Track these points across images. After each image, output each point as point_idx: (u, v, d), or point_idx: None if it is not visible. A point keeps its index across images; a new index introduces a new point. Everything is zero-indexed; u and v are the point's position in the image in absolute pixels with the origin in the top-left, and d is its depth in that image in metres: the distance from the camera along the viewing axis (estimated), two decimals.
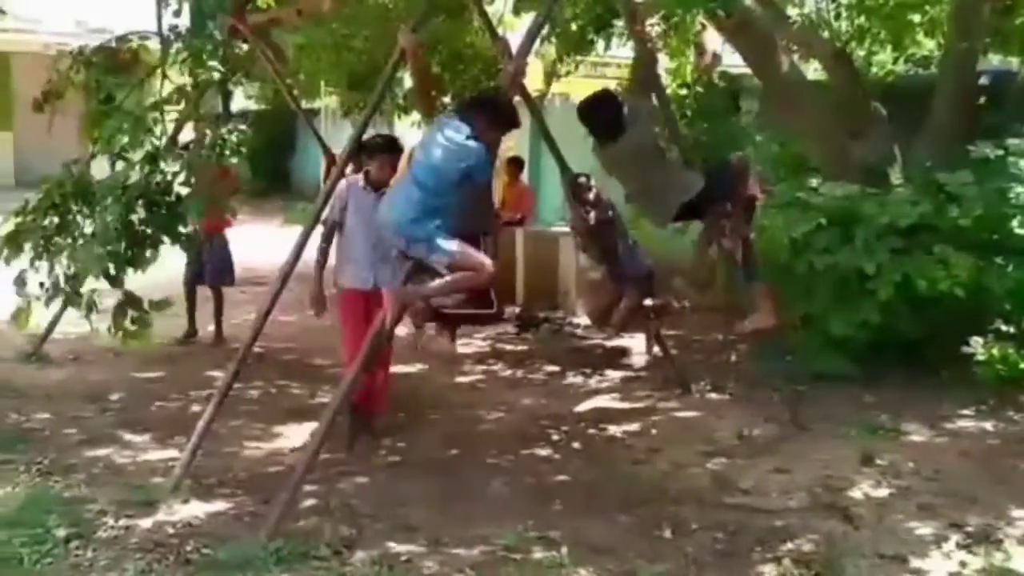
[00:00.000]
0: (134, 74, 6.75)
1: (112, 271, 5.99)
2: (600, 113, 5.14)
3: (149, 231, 6.15)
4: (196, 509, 4.38)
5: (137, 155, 6.21)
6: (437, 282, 4.47)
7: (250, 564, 3.80)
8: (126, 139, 6.15)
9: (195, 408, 5.66)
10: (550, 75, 10.45)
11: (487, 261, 4.44)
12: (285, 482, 4.21)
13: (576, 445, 5.54)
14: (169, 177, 6.25)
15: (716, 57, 9.85)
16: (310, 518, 4.28)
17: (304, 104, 11.68)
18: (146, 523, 4.21)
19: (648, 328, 7.04)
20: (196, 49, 6.43)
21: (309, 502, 4.44)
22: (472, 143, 4.30)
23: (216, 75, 6.63)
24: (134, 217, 6.06)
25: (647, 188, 5.25)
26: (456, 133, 4.32)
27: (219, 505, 4.46)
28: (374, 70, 8.42)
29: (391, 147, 5.33)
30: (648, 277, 6.58)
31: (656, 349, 7.02)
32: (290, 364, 7.25)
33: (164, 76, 6.51)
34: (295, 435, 5.45)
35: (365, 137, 5.34)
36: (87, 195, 6.19)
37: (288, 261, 5.05)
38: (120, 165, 6.21)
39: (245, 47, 7.12)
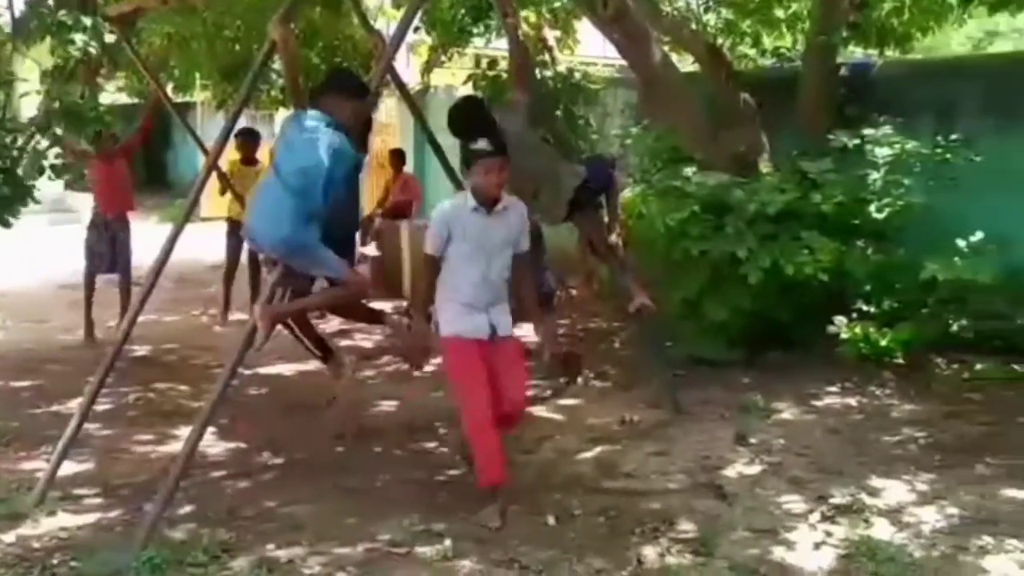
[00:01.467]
0: None
1: None
2: (468, 116, 5.08)
3: None
4: (64, 521, 4.22)
5: None
6: (308, 298, 4.38)
7: (121, 574, 3.67)
8: None
9: (65, 416, 5.42)
10: (429, 66, 10.39)
11: (365, 280, 4.34)
12: (159, 489, 4.09)
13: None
14: (8, 146, 6.00)
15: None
16: (188, 524, 4.17)
17: (180, 97, 11.33)
18: (9, 537, 4.03)
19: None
20: (59, 25, 6.14)
21: (187, 508, 4.32)
22: (329, 129, 4.18)
23: (77, 53, 6.34)
24: None
25: (536, 181, 5.29)
26: (315, 122, 4.20)
27: (89, 516, 4.30)
28: (248, 61, 8.22)
29: (502, 147, 4.29)
30: (548, 296, 6.60)
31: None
32: (171, 365, 7.04)
33: (15, 49, 6.20)
34: (174, 439, 5.28)
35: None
36: None
37: (159, 259, 4.88)
38: None
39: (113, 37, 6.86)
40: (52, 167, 6.42)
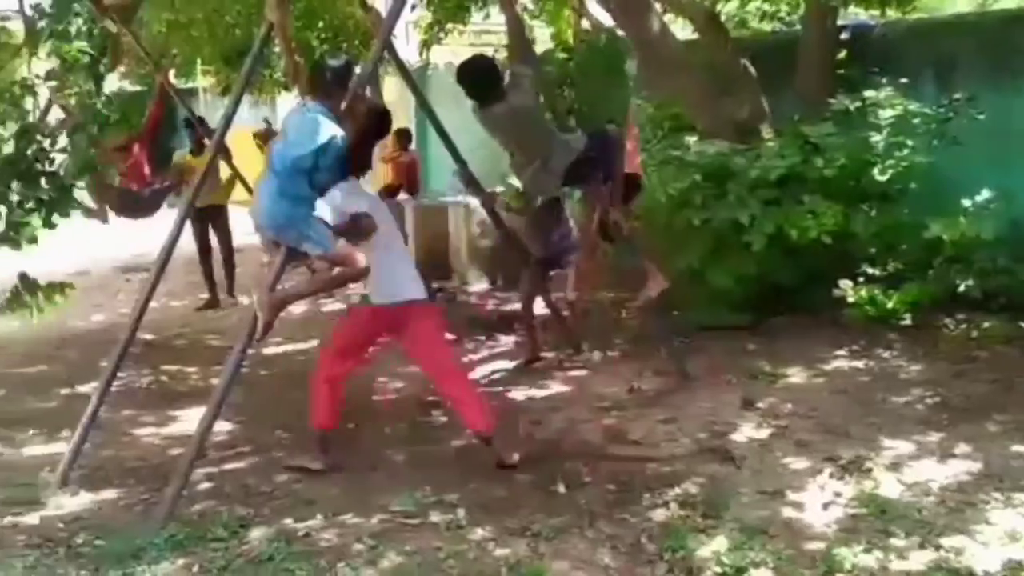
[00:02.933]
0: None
1: None
2: (476, 76, 5.21)
3: (30, 206, 5.96)
4: (86, 501, 4.31)
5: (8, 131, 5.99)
6: (308, 283, 4.41)
7: (145, 552, 3.76)
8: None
9: (82, 401, 5.51)
10: (428, 43, 10.38)
11: (360, 257, 4.31)
12: (177, 467, 4.17)
13: None
14: (48, 150, 6.05)
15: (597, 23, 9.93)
16: (205, 501, 4.25)
17: (182, 83, 11.37)
18: (32, 519, 4.12)
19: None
20: (60, 30, 6.20)
21: (204, 485, 4.41)
22: (324, 119, 4.19)
23: (85, 57, 6.41)
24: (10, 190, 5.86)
25: (530, 152, 5.34)
26: (312, 113, 4.23)
27: (110, 496, 4.39)
28: (250, 46, 8.24)
29: None
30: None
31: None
32: (182, 349, 7.13)
33: (32, 54, 6.26)
34: (189, 419, 5.35)
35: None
36: None
37: (165, 246, 4.94)
38: None
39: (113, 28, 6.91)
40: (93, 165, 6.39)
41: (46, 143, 6.06)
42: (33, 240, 6.12)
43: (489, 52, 9.27)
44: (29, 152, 5.97)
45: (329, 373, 4.63)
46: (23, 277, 5.95)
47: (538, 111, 5.65)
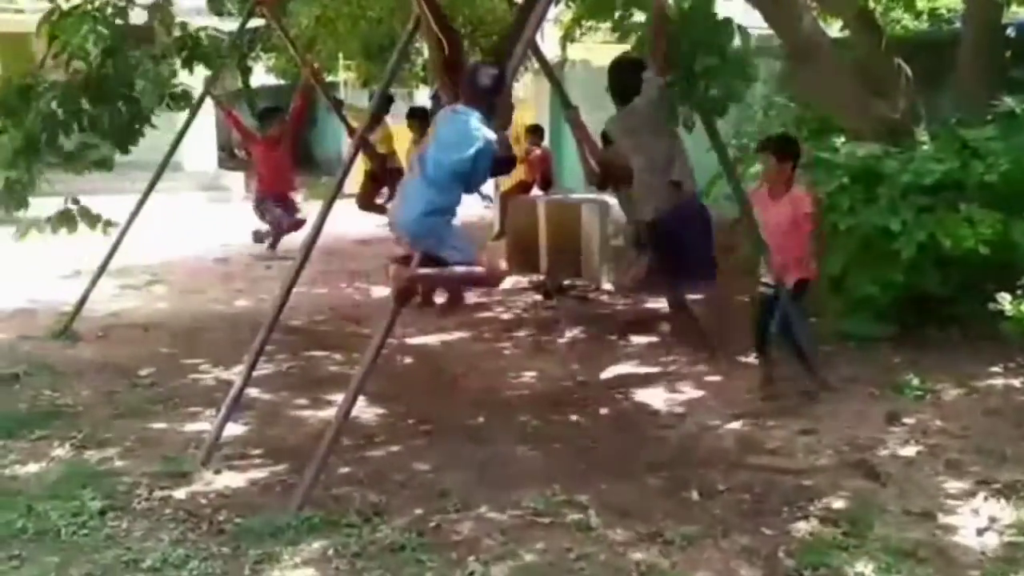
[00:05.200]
0: None
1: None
2: (619, 72, 5.20)
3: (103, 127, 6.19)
4: (229, 480, 4.46)
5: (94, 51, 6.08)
6: (441, 271, 4.44)
7: (282, 533, 3.86)
8: (85, 38, 5.94)
9: (226, 381, 5.73)
10: (567, 40, 10.34)
11: (501, 266, 4.35)
12: (314, 452, 4.26)
13: (603, 410, 5.57)
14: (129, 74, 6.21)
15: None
16: (341, 487, 4.34)
17: (326, 77, 11.70)
18: (179, 494, 4.28)
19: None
20: None
21: (340, 471, 4.49)
22: (479, 124, 4.17)
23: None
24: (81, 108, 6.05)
25: (652, 161, 5.26)
26: (465, 117, 4.21)
27: (251, 475, 4.53)
28: (391, 39, 8.41)
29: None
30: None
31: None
32: (323, 335, 7.31)
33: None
34: (327, 404, 5.48)
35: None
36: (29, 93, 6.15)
37: (310, 235, 5.08)
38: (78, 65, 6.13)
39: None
40: (171, 96, 6.56)
41: (132, 61, 6.16)
42: (102, 164, 6.35)
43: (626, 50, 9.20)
44: (109, 71, 6.04)
45: None
46: (74, 200, 6.26)
47: (665, 124, 5.57)
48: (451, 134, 4.23)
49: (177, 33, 6.54)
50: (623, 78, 5.38)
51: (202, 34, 6.69)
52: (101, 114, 6.15)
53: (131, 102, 6.25)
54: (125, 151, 6.45)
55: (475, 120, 4.19)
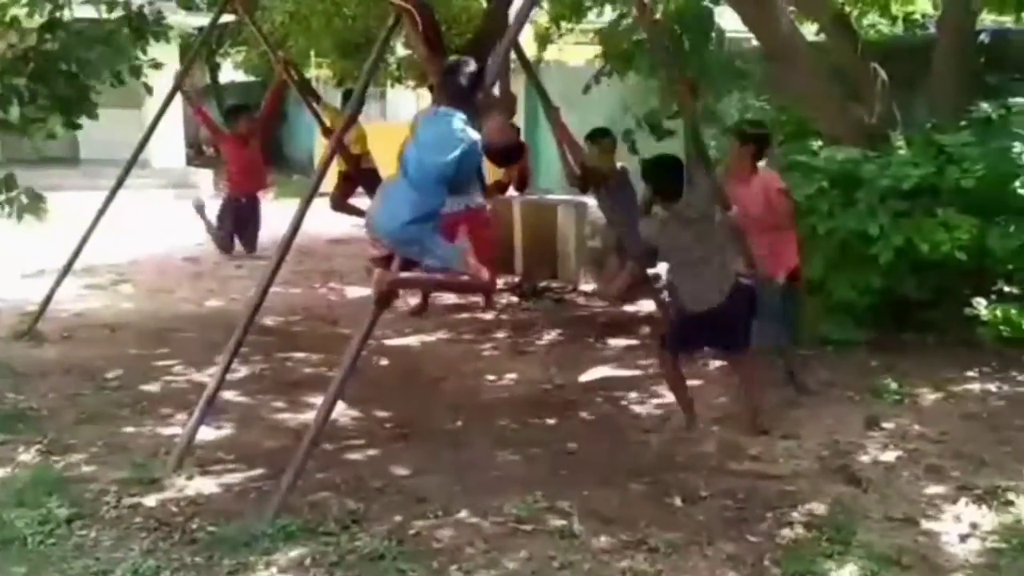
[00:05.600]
0: None
1: None
2: (666, 172, 5.08)
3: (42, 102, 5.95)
4: (201, 486, 4.34)
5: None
6: (424, 275, 4.34)
7: (258, 541, 3.75)
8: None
9: (197, 384, 5.60)
10: (544, 40, 10.31)
11: (485, 274, 4.25)
12: (291, 457, 4.16)
13: (583, 414, 5.52)
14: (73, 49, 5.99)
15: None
16: (317, 493, 4.23)
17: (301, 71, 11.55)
18: (149, 501, 4.16)
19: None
20: None
21: (317, 476, 4.39)
22: (462, 127, 4.07)
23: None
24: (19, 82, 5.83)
25: (691, 265, 5.05)
26: (448, 119, 4.12)
27: (225, 481, 4.41)
28: (367, 37, 8.31)
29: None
30: (653, 253, 6.46)
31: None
32: (298, 336, 7.19)
33: None
34: (303, 407, 5.38)
35: None
36: None
37: (287, 235, 4.97)
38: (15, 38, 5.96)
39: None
40: (117, 74, 6.37)
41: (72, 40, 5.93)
42: (51, 136, 6.13)
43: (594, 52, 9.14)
44: (50, 47, 5.85)
45: None
46: (9, 177, 5.94)
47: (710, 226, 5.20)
48: (432, 136, 4.14)
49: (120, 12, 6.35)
50: (671, 174, 5.14)
51: (146, 10, 6.49)
52: (40, 90, 5.94)
53: (72, 78, 6.04)
54: (73, 126, 6.25)
55: (458, 121, 4.10)
